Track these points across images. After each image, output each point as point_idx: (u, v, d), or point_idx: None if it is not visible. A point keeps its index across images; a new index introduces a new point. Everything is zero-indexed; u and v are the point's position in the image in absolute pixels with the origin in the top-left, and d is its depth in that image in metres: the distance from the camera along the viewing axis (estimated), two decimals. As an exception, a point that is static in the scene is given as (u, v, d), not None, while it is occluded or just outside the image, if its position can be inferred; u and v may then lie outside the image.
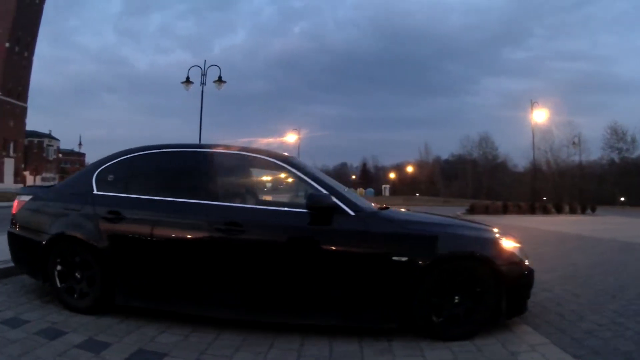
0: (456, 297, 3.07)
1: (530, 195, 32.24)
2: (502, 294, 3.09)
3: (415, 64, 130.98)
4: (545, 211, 26.30)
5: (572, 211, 27.68)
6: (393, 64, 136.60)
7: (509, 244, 3.29)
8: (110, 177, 3.67)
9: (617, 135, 58.24)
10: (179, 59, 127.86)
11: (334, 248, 3.12)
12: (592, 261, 7.06)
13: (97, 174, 3.69)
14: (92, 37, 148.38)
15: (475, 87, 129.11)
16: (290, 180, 3.52)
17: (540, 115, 29.31)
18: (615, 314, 3.71)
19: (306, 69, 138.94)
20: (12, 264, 4.20)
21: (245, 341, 3.01)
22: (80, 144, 65.34)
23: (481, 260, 3.10)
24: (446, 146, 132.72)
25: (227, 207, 3.30)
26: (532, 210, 25.80)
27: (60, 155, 78.30)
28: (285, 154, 3.78)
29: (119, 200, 3.50)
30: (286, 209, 3.42)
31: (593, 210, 28.92)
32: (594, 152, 59.75)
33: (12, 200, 4.27)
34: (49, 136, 75.48)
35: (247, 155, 3.66)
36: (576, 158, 56.53)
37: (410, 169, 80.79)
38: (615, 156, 59.07)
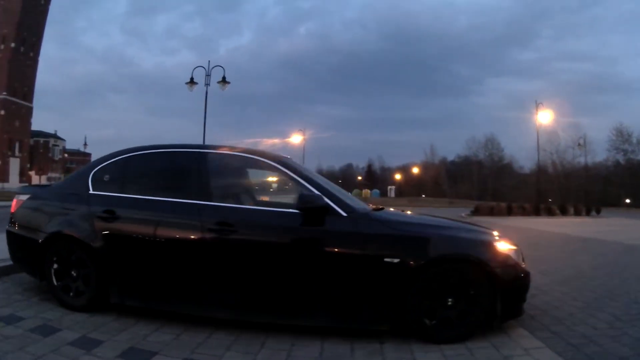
0: (449, 300, 3.05)
1: (535, 196, 32.01)
2: (497, 296, 3.06)
3: (422, 64, 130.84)
4: (550, 213, 26.19)
5: (577, 213, 27.51)
6: (399, 64, 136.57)
7: (503, 246, 3.26)
8: (106, 177, 3.69)
9: (622, 136, 57.77)
10: (185, 60, 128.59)
11: (325, 249, 3.12)
12: (594, 263, 6.99)
13: (93, 174, 3.71)
14: (99, 37, 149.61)
15: (481, 88, 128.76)
16: (284, 180, 3.50)
17: (545, 117, 29.23)
18: (614, 318, 3.67)
19: (312, 70, 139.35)
20: (11, 262, 4.23)
21: (237, 341, 3.01)
22: (85, 144, 65.78)
23: (474, 262, 3.08)
24: (452, 147, 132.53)
25: (218, 207, 3.31)
26: (536, 212, 25.70)
27: (65, 155, 78.94)
28: (279, 154, 3.77)
29: (113, 200, 3.52)
30: (279, 209, 3.42)
31: (598, 212, 28.76)
32: (600, 153, 59.33)
33: (16, 200, 4.31)
34: (55, 136, 76.17)
35: (240, 156, 3.66)
36: (582, 160, 56.09)
37: (416, 170, 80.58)
38: (621, 158, 58.58)
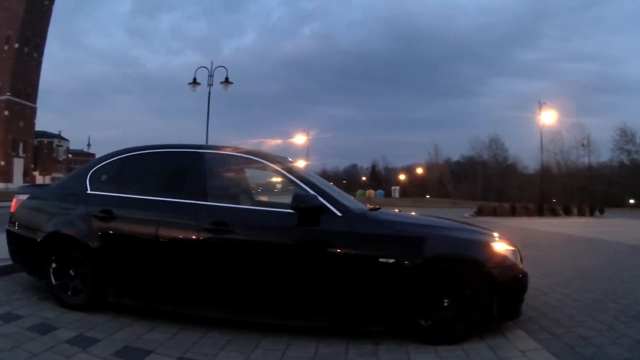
0: (445, 301, 3.03)
1: (539, 197, 31.89)
2: (493, 297, 3.04)
3: (426, 65, 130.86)
4: (554, 213, 26.10)
5: (581, 213, 27.41)
6: (403, 64, 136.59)
7: (500, 247, 3.24)
8: (104, 177, 3.71)
9: (626, 136, 57.54)
10: (189, 60, 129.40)
11: (320, 249, 3.11)
12: (596, 264, 6.94)
13: (91, 174, 3.74)
14: (103, 38, 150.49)
15: (485, 89, 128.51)
16: (281, 180, 3.50)
17: (549, 117, 29.11)
18: (613, 319, 3.64)
19: (316, 70, 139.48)
20: (11, 262, 4.26)
21: (232, 340, 3.02)
22: (89, 145, 66.10)
23: (471, 263, 3.06)
24: (457, 148, 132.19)
25: (214, 207, 3.30)
26: (540, 213, 25.59)
27: (70, 155, 79.28)
28: (275, 154, 3.77)
29: (110, 200, 3.53)
30: (274, 209, 3.41)
31: (601, 212, 28.67)
32: (604, 153, 59.11)
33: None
34: (59, 136, 76.54)
35: (236, 156, 3.66)
36: (585, 160, 55.84)
37: (420, 170, 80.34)
38: (625, 158, 58.35)
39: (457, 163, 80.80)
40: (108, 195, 3.58)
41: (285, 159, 3.83)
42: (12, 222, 3.97)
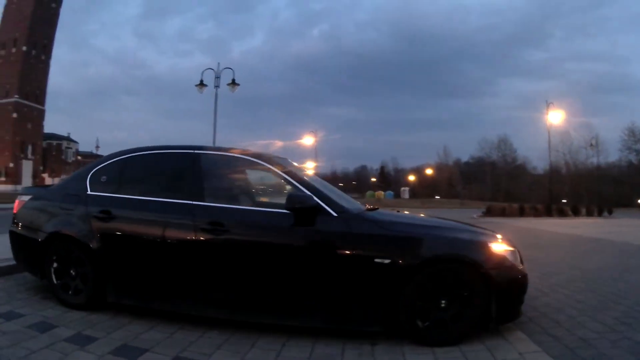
0: (443, 301, 3.01)
1: (547, 197, 31.64)
2: (492, 298, 3.01)
3: (434, 65, 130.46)
4: (562, 214, 25.87)
5: (589, 214, 27.13)
6: (411, 65, 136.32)
7: (499, 247, 3.21)
8: (104, 178, 3.75)
9: (634, 136, 56.70)
10: (198, 62, 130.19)
11: (316, 249, 3.11)
12: (601, 265, 6.85)
13: (91, 175, 3.78)
14: (111, 40, 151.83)
15: (494, 89, 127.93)
16: (278, 181, 3.50)
17: (557, 117, 28.97)
18: (615, 321, 3.58)
19: (325, 71, 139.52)
20: (15, 262, 4.31)
21: (229, 340, 3.03)
22: (97, 147, 66.64)
23: (468, 263, 3.03)
24: (466, 148, 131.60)
25: (210, 207, 3.32)
26: (548, 213, 25.38)
27: (79, 157, 79.99)
28: (272, 154, 3.77)
29: (109, 200, 3.57)
30: (271, 209, 3.42)
31: (610, 212, 28.36)
32: (612, 153, 58.56)
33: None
34: (68, 138, 77.26)
35: (232, 156, 3.66)
36: (594, 160, 55.31)
37: (429, 171, 79.98)
38: (633, 158, 57.52)
39: (467, 164, 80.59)
40: (107, 195, 3.62)
41: (285, 159, 3.83)
42: (14, 223, 4.03)
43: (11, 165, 56.77)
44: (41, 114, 61.84)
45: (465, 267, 3.04)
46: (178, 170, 3.61)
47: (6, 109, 55.69)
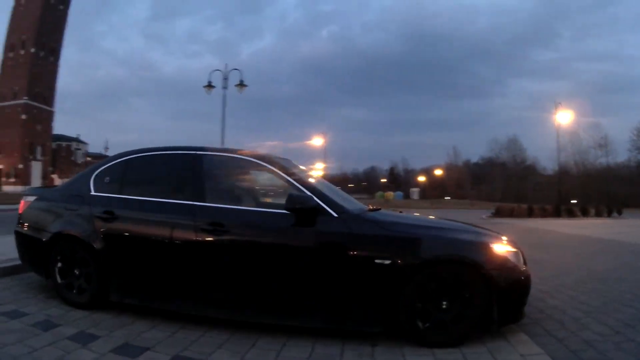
0: (443, 303, 2.99)
1: (556, 198, 31.37)
2: (493, 300, 2.99)
3: (443, 66, 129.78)
4: (571, 214, 25.65)
5: (598, 214, 26.85)
6: (421, 66, 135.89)
7: (501, 248, 3.18)
8: (107, 179, 3.79)
9: (643, 136, 56.00)
10: (207, 63, 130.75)
11: (316, 250, 3.11)
12: (608, 266, 6.75)
13: (95, 176, 3.82)
14: (120, 41, 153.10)
15: (503, 89, 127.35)
16: (279, 181, 3.49)
17: (565, 117, 28.72)
18: (620, 323, 3.53)
19: (333, 72, 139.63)
20: (20, 262, 4.35)
21: (230, 339, 3.04)
22: (107, 148, 67.10)
23: (469, 264, 3.01)
24: (476, 149, 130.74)
25: (210, 207, 3.33)
26: (557, 214, 25.17)
27: (88, 158, 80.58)
28: (273, 155, 3.77)
29: (112, 201, 3.61)
30: (271, 210, 3.42)
31: (619, 213, 28.07)
32: (622, 154, 57.80)
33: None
34: (77, 140, 77.95)
35: (233, 157, 3.67)
36: (603, 160, 54.71)
37: (439, 172, 79.69)
38: (643, 158, 56.82)
39: (477, 164, 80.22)
40: (110, 196, 3.65)
41: (287, 160, 3.84)
42: (20, 223, 4.08)
43: (21, 166, 57.33)
44: (50, 116, 62.37)
45: (465, 268, 3.01)
46: (180, 171, 3.63)
47: (15, 110, 56.24)
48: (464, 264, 3.02)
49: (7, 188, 49.03)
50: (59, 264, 3.68)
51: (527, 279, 3.25)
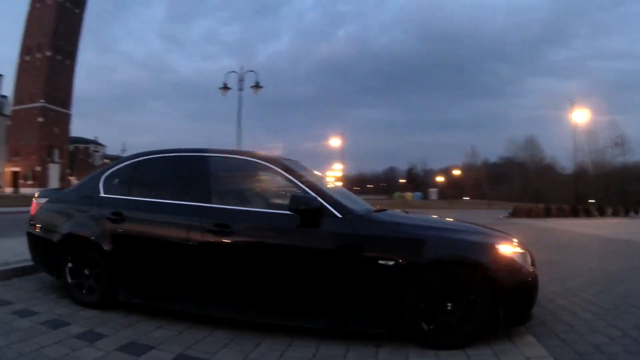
0: (448, 304, 2.97)
1: (574, 197, 30.84)
2: (499, 301, 2.95)
3: (461, 66, 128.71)
4: (588, 214, 25.21)
5: (615, 214, 26.35)
6: (438, 66, 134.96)
7: (507, 249, 3.14)
8: (116, 181, 3.86)
9: (661, 134, 54.65)
10: (225, 65, 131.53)
11: (320, 250, 3.11)
12: (623, 267, 6.60)
13: (104, 178, 3.90)
14: (137, 44, 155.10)
15: (521, 89, 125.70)
16: (285, 183, 3.50)
17: (582, 116, 28.19)
18: (630, 326, 3.45)
19: (351, 73, 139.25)
20: (32, 263, 4.45)
21: (235, 340, 3.07)
22: (124, 150, 67.94)
23: (474, 265, 2.98)
24: (494, 148, 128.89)
25: (216, 209, 3.36)
26: (574, 213, 24.77)
27: (106, 160, 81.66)
28: (279, 156, 3.80)
29: (121, 202, 3.67)
30: (276, 211, 3.42)
31: (637, 212, 27.51)
32: (639, 152, 56.49)
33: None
34: (95, 142, 78.96)
35: (240, 159, 3.70)
36: (620, 159, 53.58)
37: (457, 172, 78.95)
38: (660, 156, 55.41)
39: (495, 164, 79.36)
40: (119, 198, 3.72)
41: (294, 162, 3.85)
42: (31, 225, 4.16)
43: (38, 168, 58.25)
44: (67, 118, 63.21)
45: (470, 269, 2.99)
46: (186, 172, 3.68)
47: (32, 113, 57.07)
48: (469, 265, 2.99)
49: (24, 190, 49.92)
50: (70, 265, 3.75)
51: (535, 280, 3.21)
